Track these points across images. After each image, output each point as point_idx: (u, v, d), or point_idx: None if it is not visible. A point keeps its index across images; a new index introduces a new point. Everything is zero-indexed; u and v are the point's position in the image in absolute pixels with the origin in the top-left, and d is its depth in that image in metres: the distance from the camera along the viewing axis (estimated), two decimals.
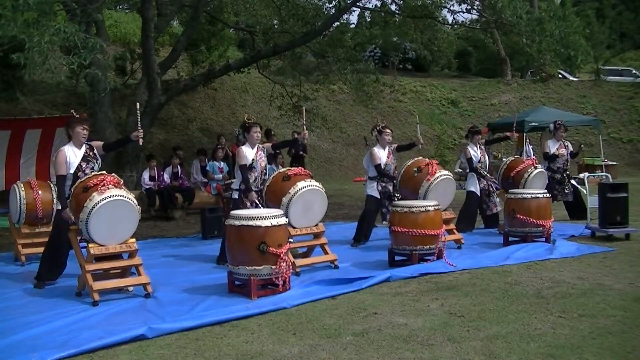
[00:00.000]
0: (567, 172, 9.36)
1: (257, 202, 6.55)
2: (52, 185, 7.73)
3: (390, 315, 4.67)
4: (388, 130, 7.97)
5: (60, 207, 5.90)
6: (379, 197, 7.85)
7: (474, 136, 8.93)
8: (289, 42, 13.46)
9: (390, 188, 7.92)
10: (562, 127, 9.43)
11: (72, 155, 5.85)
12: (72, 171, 5.79)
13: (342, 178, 18.73)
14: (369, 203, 7.90)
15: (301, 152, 14.28)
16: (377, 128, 8.01)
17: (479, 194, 8.73)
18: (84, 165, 5.85)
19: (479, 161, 8.80)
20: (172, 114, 18.23)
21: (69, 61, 7.12)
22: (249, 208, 6.56)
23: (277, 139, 14.53)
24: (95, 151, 6.03)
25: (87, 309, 5.04)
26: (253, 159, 6.69)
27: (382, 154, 7.84)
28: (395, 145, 8.17)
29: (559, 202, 9.35)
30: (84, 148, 5.94)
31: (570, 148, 9.54)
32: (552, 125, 9.56)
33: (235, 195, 6.76)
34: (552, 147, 9.31)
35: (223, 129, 17.99)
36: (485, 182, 8.80)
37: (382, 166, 7.76)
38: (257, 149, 6.80)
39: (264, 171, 6.81)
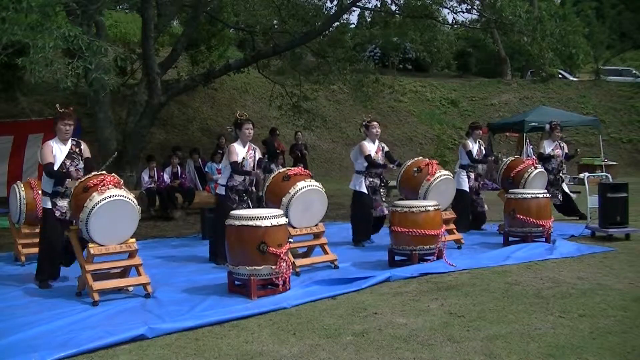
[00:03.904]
0: (561, 174, 9.37)
1: (260, 177, 6.65)
2: None
3: (390, 315, 4.67)
4: (375, 123, 7.97)
5: (45, 206, 5.88)
6: (366, 192, 7.84)
7: (474, 131, 8.97)
8: (289, 42, 13.44)
9: (378, 182, 7.91)
10: (558, 128, 9.45)
11: (58, 150, 5.83)
12: (55, 168, 5.78)
13: (342, 178, 18.67)
14: (358, 201, 7.87)
15: (302, 151, 14.32)
16: (364, 123, 8.04)
17: (469, 192, 8.77)
18: (67, 163, 5.84)
19: (476, 157, 8.84)
20: (172, 114, 18.23)
21: (74, 65, 7.11)
22: (235, 203, 6.56)
23: (280, 140, 14.57)
24: (82, 148, 5.99)
25: (87, 309, 5.04)
26: (243, 158, 6.66)
27: (371, 147, 7.84)
28: (387, 150, 8.11)
29: None
30: (69, 144, 5.92)
31: (566, 149, 9.55)
32: (547, 126, 9.58)
33: (222, 192, 6.75)
34: (548, 147, 9.32)
35: (223, 129, 17.93)
36: (474, 181, 8.83)
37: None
38: (249, 148, 6.74)
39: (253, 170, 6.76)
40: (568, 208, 9.53)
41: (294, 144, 14.76)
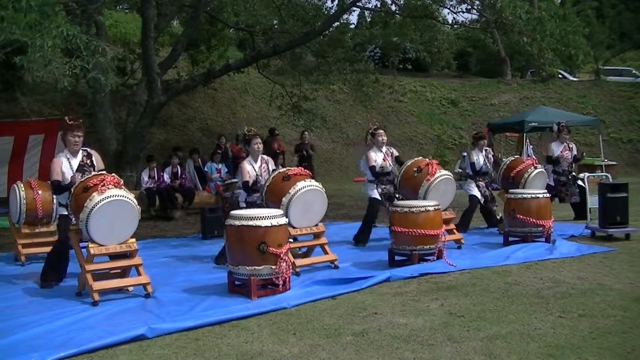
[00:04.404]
0: (573, 174, 9.32)
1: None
2: None
3: (390, 315, 4.67)
4: (381, 131, 7.95)
5: (63, 213, 5.87)
6: (379, 198, 7.84)
7: (478, 142, 8.93)
8: (289, 42, 13.45)
9: (391, 189, 7.91)
10: (566, 129, 9.37)
11: (67, 166, 5.76)
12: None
13: (342, 178, 18.72)
14: (373, 205, 7.90)
15: (309, 151, 14.32)
16: (370, 131, 8.02)
17: (480, 197, 8.75)
18: (79, 177, 5.77)
19: (481, 168, 8.80)
20: (172, 114, 18.23)
21: (71, 65, 7.11)
22: None
23: (279, 140, 14.57)
24: (93, 159, 5.93)
25: (87, 309, 5.05)
26: (257, 174, 6.67)
27: (377, 156, 7.83)
28: (397, 154, 8.08)
29: (559, 202, 9.34)
30: (79, 156, 5.86)
31: (574, 151, 9.47)
32: (555, 127, 9.47)
33: (243, 206, 6.72)
34: (556, 149, 9.22)
35: (223, 129, 17.98)
36: (485, 189, 8.81)
37: (378, 168, 7.76)
38: (261, 161, 6.78)
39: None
40: (583, 209, 9.39)
41: (300, 143, 14.75)
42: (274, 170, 6.77)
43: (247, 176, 6.63)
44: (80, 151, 5.88)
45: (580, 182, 9.33)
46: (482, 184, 8.82)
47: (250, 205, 6.68)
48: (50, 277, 5.97)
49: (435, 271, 6.06)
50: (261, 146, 6.80)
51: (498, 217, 8.90)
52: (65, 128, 5.82)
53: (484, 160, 8.83)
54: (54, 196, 7.42)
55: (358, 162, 8.23)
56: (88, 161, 5.90)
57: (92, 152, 6.03)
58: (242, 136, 6.91)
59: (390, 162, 7.89)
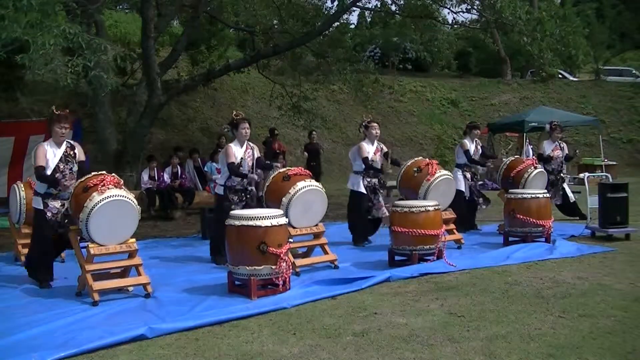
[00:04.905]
0: (562, 174, 9.36)
1: (255, 179, 6.61)
2: None
3: (390, 315, 4.67)
4: (374, 124, 7.94)
5: (37, 206, 5.86)
6: (365, 192, 7.82)
7: (472, 131, 8.98)
8: (289, 42, 13.44)
9: (376, 182, 7.89)
10: (558, 128, 9.43)
11: (51, 154, 5.81)
12: (49, 172, 5.75)
13: (342, 178, 18.63)
14: (355, 201, 7.84)
15: (317, 151, 14.34)
16: (364, 124, 8.01)
17: (468, 193, 8.75)
18: (62, 166, 5.82)
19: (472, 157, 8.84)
20: (172, 114, 18.23)
21: (73, 62, 7.11)
22: (234, 202, 6.57)
23: (279, 140, 14.57)
24: (76, 151, 5.98)
25: (87, 309, 5.04)
26: (242, 158, 6.64)
27: (370, 149, 7.83)
28: (387, 150, 8.08)
29: None
30: (63, 146, 5.91)
31: (566, 150, 9.53)
32: (547, 126, 9.56)
33: (220, 191, 6.75)
34: (548, 148, 9.30)
35: (222, 129, 17.97)
36: (470, 181, 8.81)
37: (370, 160, 7.74)
38: (246, 147, 6.72)
39: (252, 170, 6.72)
40: (569, 208, 9.51)
41: (308, 143, 14.76)
42: (273, 168, 6.77)
43: (232, 157, 6.55)
44: (65, 142, 5.93)
45: (565, 185, 9.37)
46: (469, 174, 8.83)
47: (229, 189, 6.65)
48: (45, 277, 5.95)
49: (435, 271, 6.07)
50: (248, 131, 6.68)
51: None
52: (53, 119, 5.87)
53: (474, 151, 8.86)
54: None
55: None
56: (71, 152, 5.95)
57: (75, 144, 6.08)
58: (230, 120, 6.82)
59: (379, 157, 7.89)
